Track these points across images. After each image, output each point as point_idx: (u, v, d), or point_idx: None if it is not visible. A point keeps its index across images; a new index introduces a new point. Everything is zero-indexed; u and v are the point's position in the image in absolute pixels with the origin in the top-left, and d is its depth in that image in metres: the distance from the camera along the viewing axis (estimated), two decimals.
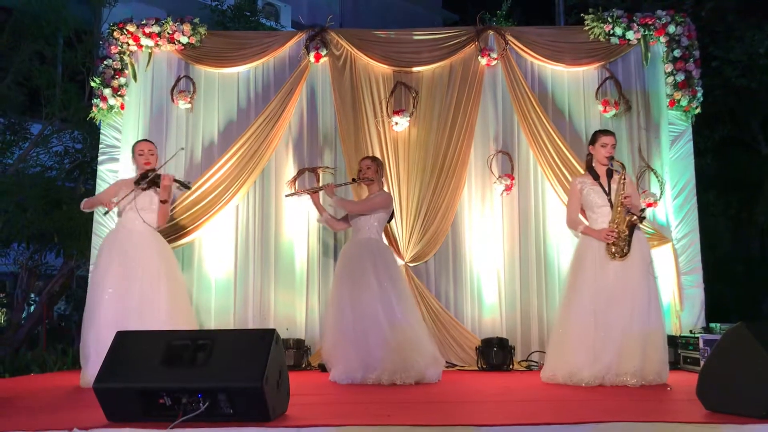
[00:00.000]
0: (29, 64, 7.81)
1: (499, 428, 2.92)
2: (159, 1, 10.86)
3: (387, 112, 6.43)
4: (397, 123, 6.38)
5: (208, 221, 6.30)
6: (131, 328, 3.74)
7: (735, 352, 3.13)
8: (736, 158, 9.94)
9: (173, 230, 6.18)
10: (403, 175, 6.36)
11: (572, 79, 6.55)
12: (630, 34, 6.41)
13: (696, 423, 3.02)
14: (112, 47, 6.41)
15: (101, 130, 6.48)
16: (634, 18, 6.41)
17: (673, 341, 5.80)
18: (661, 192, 6.30)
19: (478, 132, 6.47)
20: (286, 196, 6.09)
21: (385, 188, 5.90)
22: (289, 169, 6.50)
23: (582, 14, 6.61)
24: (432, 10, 17.07)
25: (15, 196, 7.24)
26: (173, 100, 6.49)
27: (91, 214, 6.22)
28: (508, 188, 6.38)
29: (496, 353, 5.86)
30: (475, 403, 3.88)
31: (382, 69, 6.54)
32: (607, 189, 4.83)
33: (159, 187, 4.91)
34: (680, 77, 6.30)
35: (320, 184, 6.25)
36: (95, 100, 6.40)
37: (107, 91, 6.34)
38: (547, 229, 6.35)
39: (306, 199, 6.32)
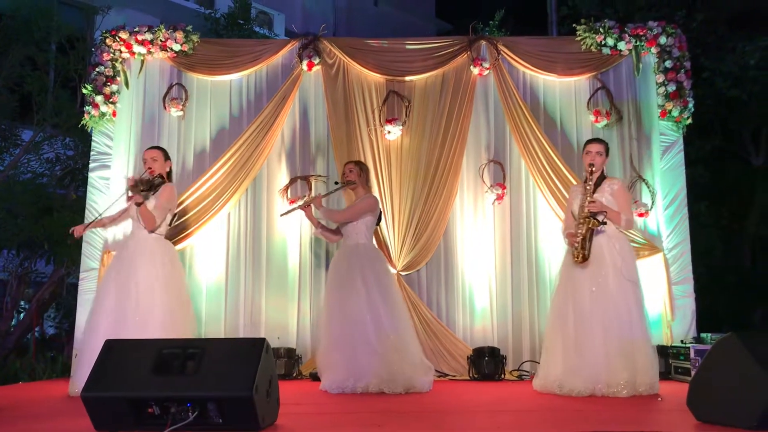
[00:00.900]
0: (20, 69, 7.78)
1: None
2: (152, 9, 10.89)
3: (379, 120, 6.44)
4: (389, 132, 6.39)
5: (199, 229, 6.28)
6: (126, 336, 3.72)
7: (726, 363, 3.13)
8: (728, 169, 10.01)
9: (166, 237, 6.16)
10: (395, 183, 6.36)
11: (564, 89, 6.58)
12: (621, 45, 6.44)
13: None
14: (104, 54, 6.40)
15: (93, 137, 6.45)
16: (626, 29, 6.44)
17: (664, 351, 5.80)
18: (653, 202, 6.32)
19: (470, 141, 6.49)
20: (281, 215, 6.05)
21: (375, 192, 5.91)
22: (282, 178, 6.49)
23: (574, 25, 6.64)
24: (425, 20, 17.15)
25: (5, 203, 7.20)
26: (165, 108, 6.48)
27: (82, 221, 6.20)
28: (499, 197, 6.39)
29: (487, 363, 5.85)
30: (466, 413, 3.87)
31: (374, 78, 6.55)
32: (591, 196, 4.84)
33: (152, 192, 4.89)
34: (671, 88, 6.33)
35: (312, 193, 6.25)
36: (87, 107, 6.37)
37: (99, 98, 6.31)
38: (539, 238, 6.36)
39: (298, 205, 6.33)
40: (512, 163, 6.50)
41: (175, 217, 5.18)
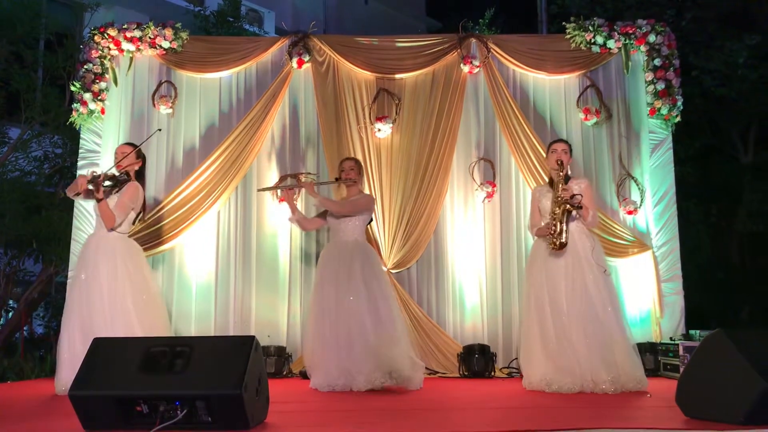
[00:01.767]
0: (6, 66, 7.71)
1: None
2: (142, 6, 10.82)
3: (370, 118, 6.44)
4: (379, 130, 6.38)
5: (189, 227, 6.26)
6: (98, 334, 3.69)
7: (714, 359, 3.15)
8: (716, 167, 10.07)
9: (155, 235, 6.16)
10: (385, 181, 6.36)
11: (554, 87, 6.59)
12: (611, 43, 6.46)
13: (675, 430, 3.05)
14: (93, 51, 6.36)
15: (81, 135, 6.41)
16: (615, 27, 6.47)
17: (653, 348, 5.83)
18: (642, 200, 6.35)
19: (460, 139, 6.49)
20: (259, 190, 6.05)
21: (366, 191, 5.90)
22: (272, 175, 6.48)
23: (564, 23, 6.66)
24: (416, 18, 17.14)
25: None
26: (154, 105, 6.46)
27: (71, 219, 6.18)
28: (489, 195, 6.40)
29: (477, 360, 5.86)
30: (456, 410, 3.87)
31: (364, 75, 6.55)
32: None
33: (116, 189, 4.79)
34: (660, 86, 6.36)
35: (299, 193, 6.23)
36: (75, 105, 6.34)
37: (87, 96, 6.28)
38: (529, 235, 6.35)
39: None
40: (502, 161, 6.51)
41: (140, 215, 5.04)
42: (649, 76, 6.43)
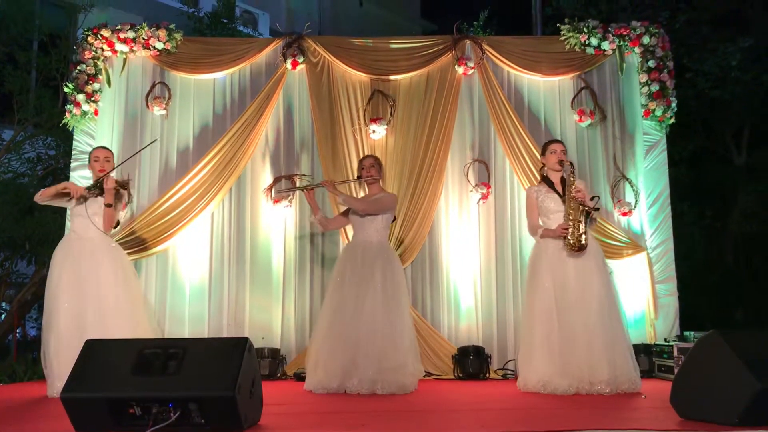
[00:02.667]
0: (1, 68, 7.68)
1: None
2: (136, 7, 10.79)
3: (364, 120, 6.43)
4: (374, 131, 6.38)
5: (183, 228, 6.24)
6: (89, 336, 3.67)
7: (708, 360, 3.15)
8: (710, 168, 10.09)
9: (148, 237, 6.12)
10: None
11: (548, 88, 6.60)
12: (605, 45, 6.47)
13: (670, 431, 3.04)
14: (86, 52, 6.34)
15: (75, 136, 6.39)
16: (610, 29, 6.48)
17: (647, 349, 5.83)
18: (636, 201, 6.35)
19: (454, 140, 6.49)
20: (278, 192, 6.03)
21: (363, 191, 5.88)
22: (266, 177, 6.46)
23: (558, 25, 6.66)
24: (411, 20, 17.17)
25: None
26: (148, 106, 6.44)
27: (63, 221, 6.15)
28: (484, 196, 6.40)
29: (472, 362, 5.85)
30: (451, 412, 3.86)
31: (359, 77, 6.54)
32: (562, 195, 4.84)
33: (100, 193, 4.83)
34: (655, 87, 6.37)
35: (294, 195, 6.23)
36: (68, 106, 6.31)
37: (81, 97, 6.25)
38: (524, 237, 6.35)
39: (283, 205, 6.29)
40: (497, 163, 6.51)
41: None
42: (644, 78, 6.44)
